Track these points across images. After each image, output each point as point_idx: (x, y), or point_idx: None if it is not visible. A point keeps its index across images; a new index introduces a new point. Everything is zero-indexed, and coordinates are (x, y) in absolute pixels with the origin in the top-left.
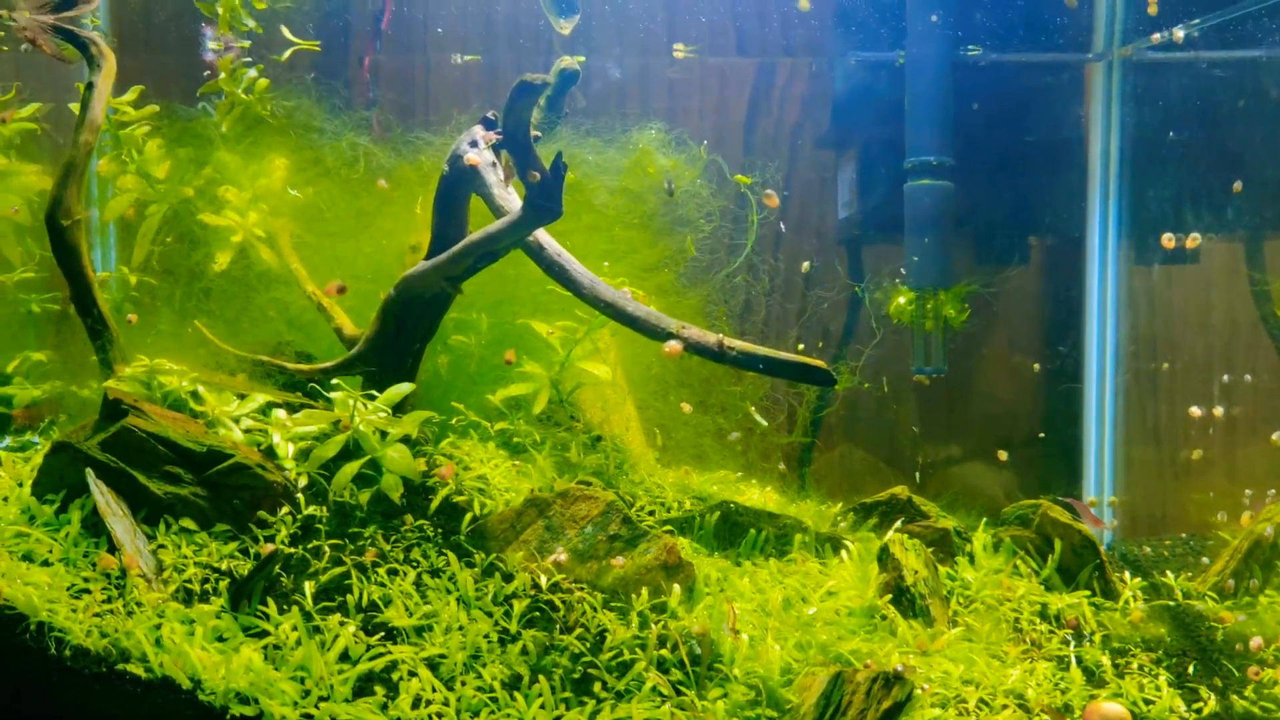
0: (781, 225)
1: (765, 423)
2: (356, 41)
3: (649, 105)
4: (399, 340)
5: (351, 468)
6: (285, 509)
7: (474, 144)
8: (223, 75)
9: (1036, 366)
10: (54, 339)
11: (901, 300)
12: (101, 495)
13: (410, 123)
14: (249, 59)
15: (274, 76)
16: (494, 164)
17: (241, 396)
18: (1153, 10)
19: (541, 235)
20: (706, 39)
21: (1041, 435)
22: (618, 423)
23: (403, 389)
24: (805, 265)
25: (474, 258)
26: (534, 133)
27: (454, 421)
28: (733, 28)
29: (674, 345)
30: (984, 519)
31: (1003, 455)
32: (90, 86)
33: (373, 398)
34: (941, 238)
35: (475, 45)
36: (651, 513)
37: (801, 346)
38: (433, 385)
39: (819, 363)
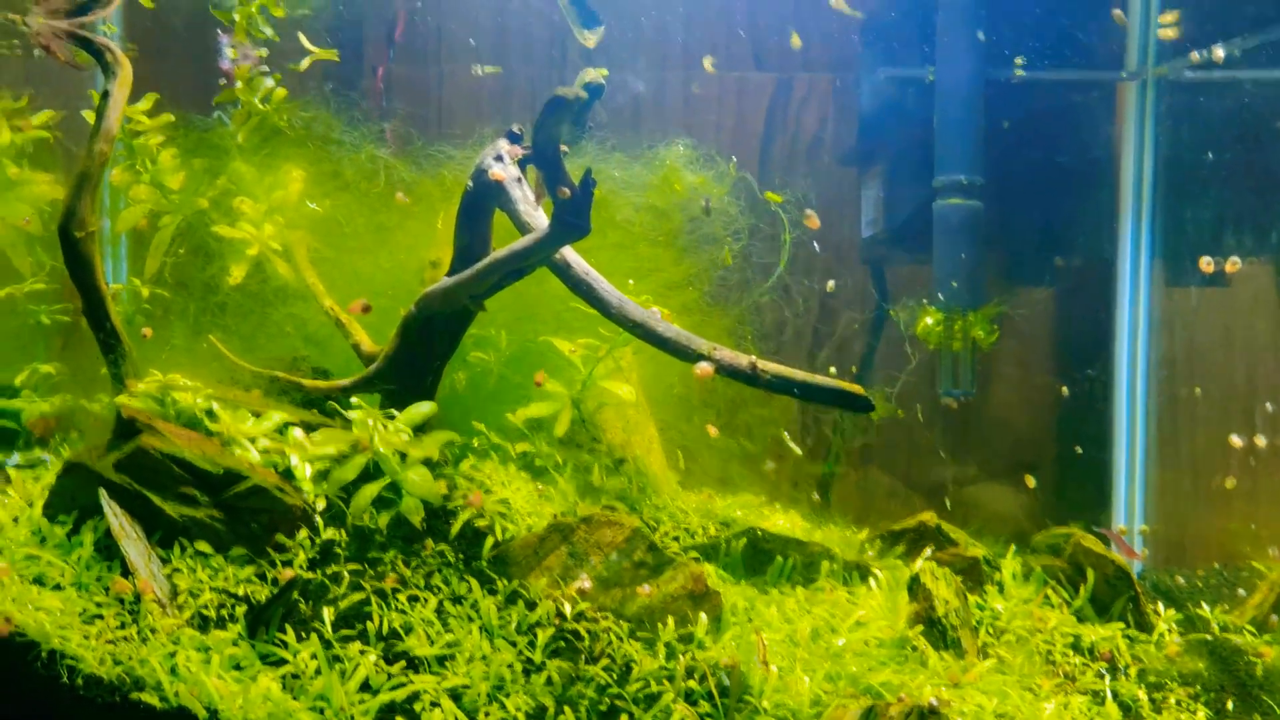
0: (815, 245)
1: (800, 450)
2: (375, 51)
3: (671, 120)
4: (419, 358)
5: (371, 490)
6: (304, 532)
7: (499, 158)
8: (239, 84)
9: (1065, 390)
10: (63, 351)
11: (929, 321)
12: (115, 517)
13: (429, 135)
14: (265, 68)
15: (291, 86)
16: (519, 179)
17: (257, 415)
18: (1166, 35)
19: (568, 253)
20: (728, 53)
21: (1078, 450)
22: (639, 444)
23: (424, 409)
24: (830, 284)
25: (499, 275)
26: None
27: (475, 443)
28: (755, 42)
29: (705, 367)
30: (1012, 546)
31: (1030, 480)
32: (106, 95)
33: (392, 417)
34: (971, 258)
35: (494, 56)
36: (676, 538)
37: (833, 370)
38: (450, 403)
39: (855, 388)
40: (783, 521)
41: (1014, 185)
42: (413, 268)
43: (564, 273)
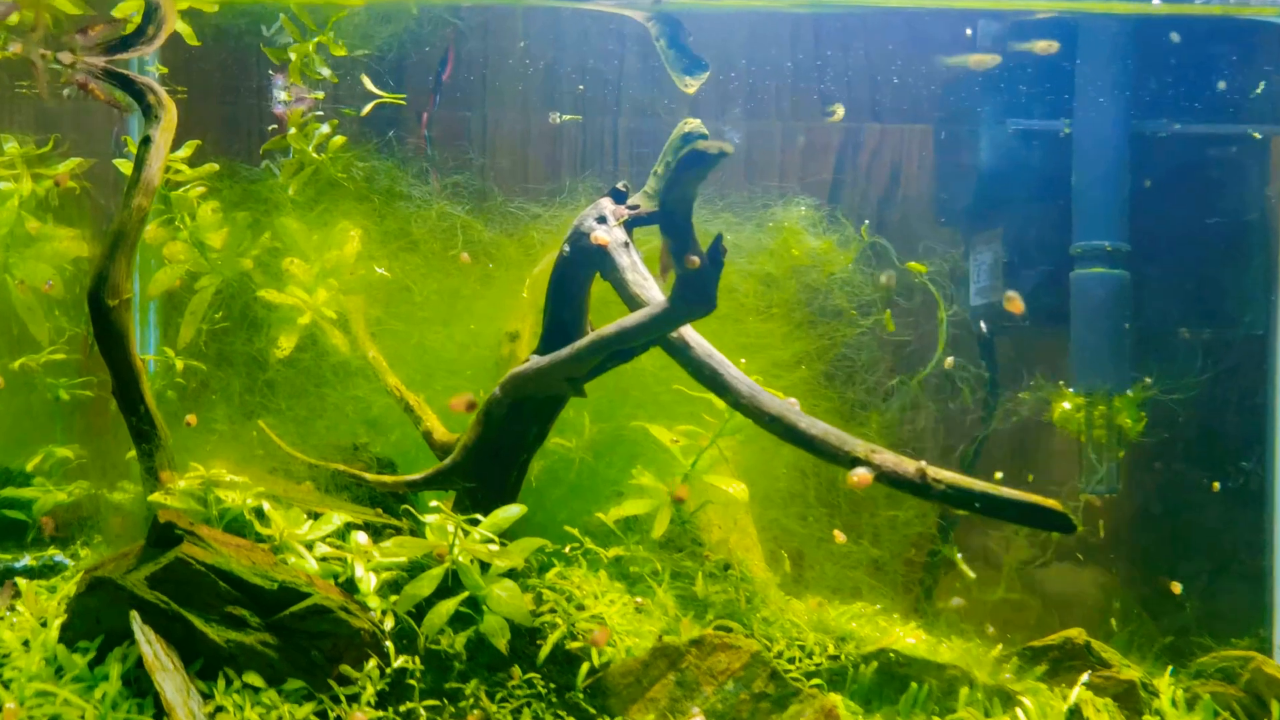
0: (982, 324)
1: (973, 574)
2: (421, 95)
3: (774, 172)
4: (503, 449)
5: (447, 607)
6: (372, 661)
7: (602, 219)
8: (291, 130)
9: (1215, 485)
10: (83, 430)
11: (1066, 406)
12: (149, 645)
13: (512, 190)
14: (321, 113)
15: (350, 134)
16: (627, 244)
17: (314, 515)
18: None
19: (688, 332)
20: (835, 102)
21: None
22: (739, 544)
23: (511, 513)
24: (949, 361)
25: (604, 356)
26: (646, 209)
27: (566, 549)
28: (866, 91)
29: (862, 474)
30: (1169, 667)
31: (1176, 587)
32: (147, 141)
33: (475, 522)
34: (1116, 334)
35: (546, 101)
36: (792, 660)
37: (1000, 475)
38: (523, 496)
39: (1053, 503)
40: (902, 633)
41: (1157, 251)
42: (491, 341)
43: (682, 354)
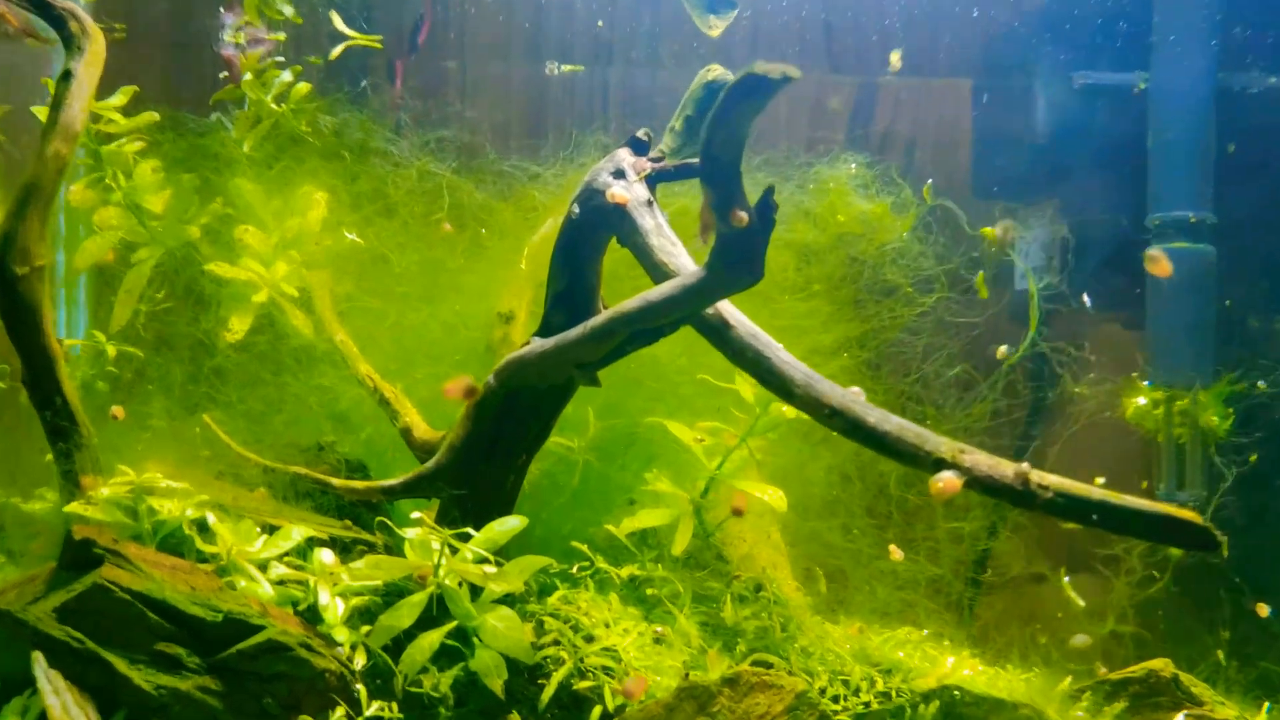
0: (1086, 298)
1: (1083, 603)
2: (427, 37)
3: (800, 134)
4: (498, 449)
5: (431, 640)
6: (340, 710)
7: (619, 174)
8: (246, 77)
9: None
10: None
11: (1141, 402)
12: (55, 695)
13: (507, 147)
14: (282, 58)
15: (316, 82)
16: (650, 202)
17: (270, 529)
18: None
19: (726, 308)
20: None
21: None
22: (764, 558)
23: (509, 526)
24: (1002, 350)
25: (625, 336)
26: (673, 162)
27: (574, 569)
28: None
29: (949, 479)
30: (1264, 704)
31: (1263, 609)
32: (67, 76)
33: (466, 537)
34: (1200, 319)
35: (526, 50)
36: (838, 699)
37: (1101, 480)
38: (520, 505)
39: (1190, 515)
40: (954, 661)
41: (1244, 223)
42: (482, 322)
43: (720, 334)
